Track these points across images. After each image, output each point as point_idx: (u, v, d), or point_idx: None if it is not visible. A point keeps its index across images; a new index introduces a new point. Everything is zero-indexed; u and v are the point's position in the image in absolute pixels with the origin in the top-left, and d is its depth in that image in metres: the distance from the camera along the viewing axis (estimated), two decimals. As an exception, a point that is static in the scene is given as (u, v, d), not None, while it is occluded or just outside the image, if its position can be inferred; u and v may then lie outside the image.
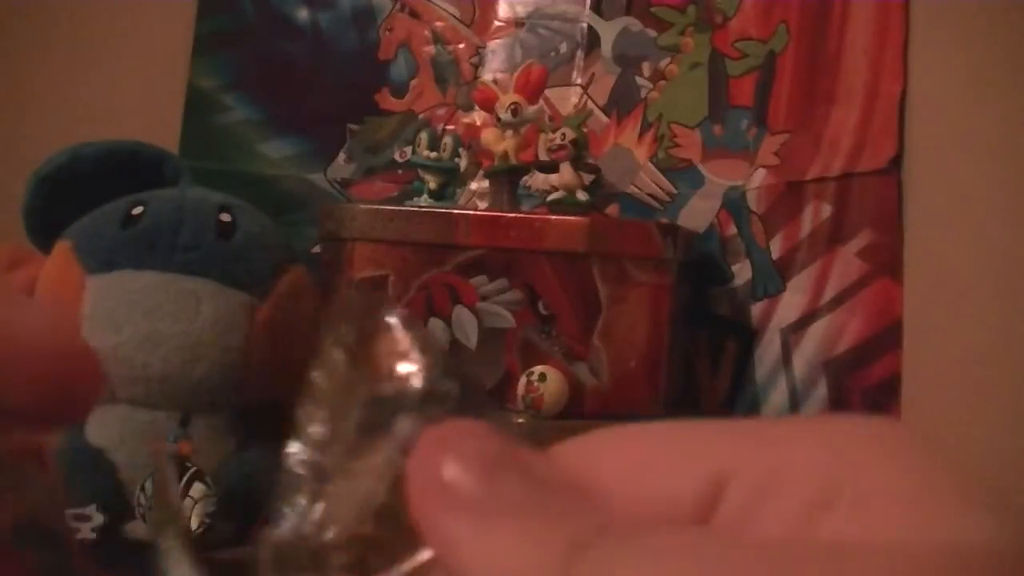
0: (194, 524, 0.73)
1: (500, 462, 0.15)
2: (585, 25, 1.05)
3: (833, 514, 0.14)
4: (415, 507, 0.15)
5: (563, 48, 1.06)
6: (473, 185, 1.04)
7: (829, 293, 0.92)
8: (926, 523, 0.14)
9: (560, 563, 0.13)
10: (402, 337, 0.17)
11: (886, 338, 0.89)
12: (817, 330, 0.92)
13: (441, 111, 1.09)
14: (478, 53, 1.09)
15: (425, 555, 0.15)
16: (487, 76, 1.06)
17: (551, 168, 0.92)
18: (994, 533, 0.13)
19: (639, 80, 1.03)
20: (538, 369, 0.79)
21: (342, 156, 1.11)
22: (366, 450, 0.17)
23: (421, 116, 1.09)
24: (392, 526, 0.15)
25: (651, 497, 0.15)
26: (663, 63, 1.02)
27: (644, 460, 0.16)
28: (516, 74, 0.90)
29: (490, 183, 0.93)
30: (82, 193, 0.81)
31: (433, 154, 0.95)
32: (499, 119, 0.89)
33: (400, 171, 1.09)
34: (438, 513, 0.15)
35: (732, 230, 0.98)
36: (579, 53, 1.05)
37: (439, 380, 0.17)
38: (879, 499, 0.14)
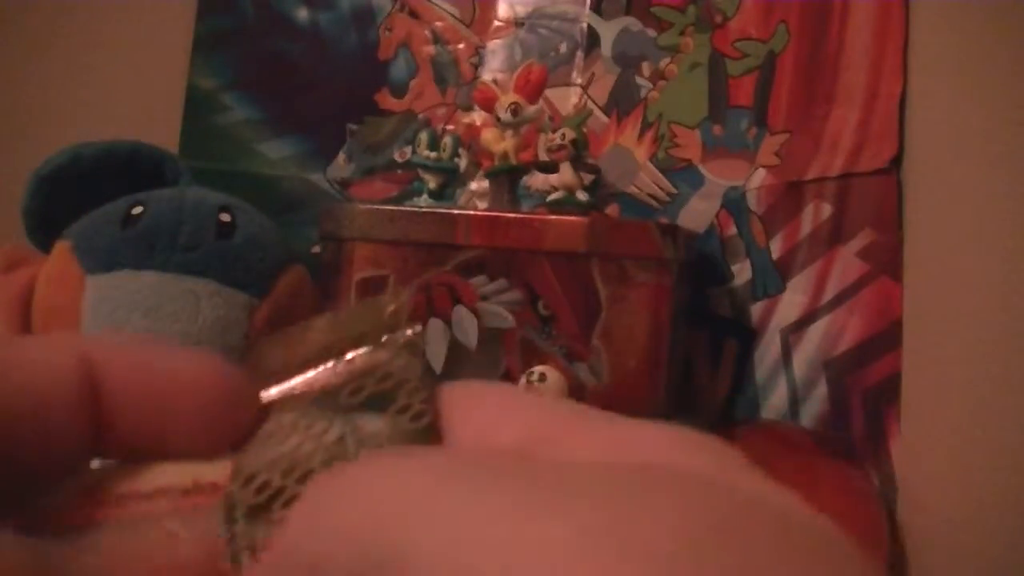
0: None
1: None
2: (585, 25, 1.05)
3: None
4: None
5: (563, 48, 1.06)
6: (473, 185, 1.04)
7: (829, 293, 0.92)
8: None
9: None
10: (394, 356, 0.17)
11: (886, 338, 0.89)
12: (817, 330, 0.92)
13: (441, 111, 1.09)
14: (478, 53, 1.09)
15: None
16: (487, 76, 1.06)
17: (551, 168, 0.92)
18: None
19: (639, 80, 1.03)
20: (538, 369, 0.79)
21: (342, 156, 1.11)
22: (318, 418, 0.17)
23: (421, 116, 1.09)
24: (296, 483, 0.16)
25: (479, 439, 0.17)
26: (663, 63, 1.02)
27: (488, 412, 0.18)
28: (516, 74, 0.90)
29: (490, 183, 0.93)
30: (82, 193, 0.81)
31: (433, 154, 0.95)
32: (499, 119, 0.89)
33: (400, 171, 1.09)
34: None
35: (732, 230, 0.98)
36: (579, 53, 1.05)
37: (414, 399, 0.17)
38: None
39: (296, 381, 0.17)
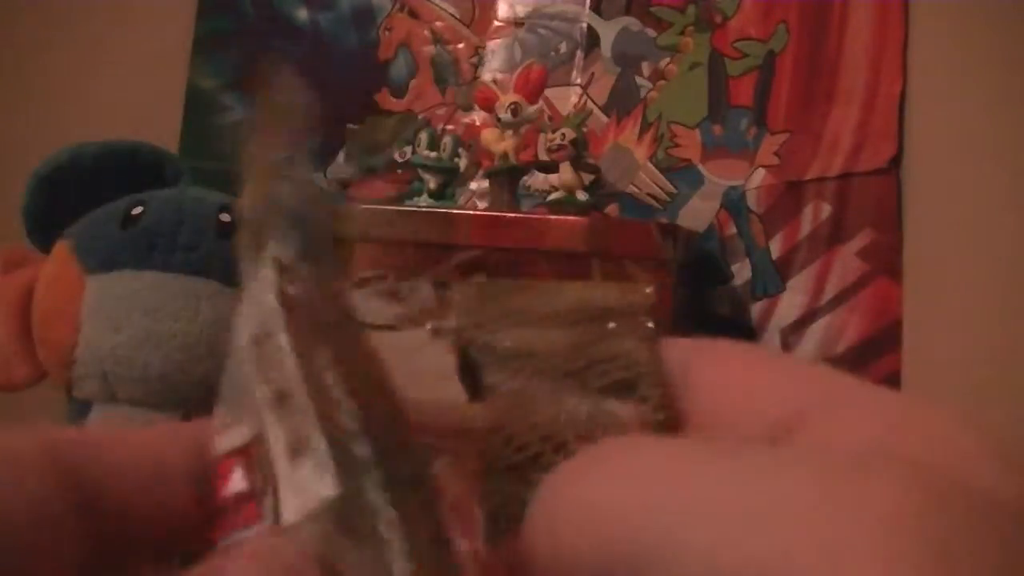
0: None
1: None
2: (585, 25, 1.05)
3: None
4: None
5: (563, 48, 1.06)
6: (473, 185, 1.04)
7: (829, 293, 0.92)
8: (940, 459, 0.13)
9: None
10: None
11: (886, 338, 0.89)
12: (817, 330, 0.92)
13: (441, 111, 1.09)
14: (478, 53, 1.09)
15: None
16: (487, 76, 1.06)
17: (551, 168, 0.92)
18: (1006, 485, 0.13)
19: (639, 80, 1.03)
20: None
21: (342, 156, 1.11)
22: (570, 394, 0.17)
23: (421, 116, 1.09)
24: None
25: (738, 410, 0.16)
26: (663, 63, 1.02)
27: (742, 378, 0.17)
28: (516, 74, 0.90)
29: (490, 183, 0.93)
30: (82, 193, 0.81)
31: (433, 154, 0.95)
32: (499, 119, 0.89)
33: (400, 171, 1.09)
34: None
35: (732, 230, 0.98)
36: (579, 53, 1.05)
37: (655, 392, 0.17)
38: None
39: (537, 333, 0.18)
